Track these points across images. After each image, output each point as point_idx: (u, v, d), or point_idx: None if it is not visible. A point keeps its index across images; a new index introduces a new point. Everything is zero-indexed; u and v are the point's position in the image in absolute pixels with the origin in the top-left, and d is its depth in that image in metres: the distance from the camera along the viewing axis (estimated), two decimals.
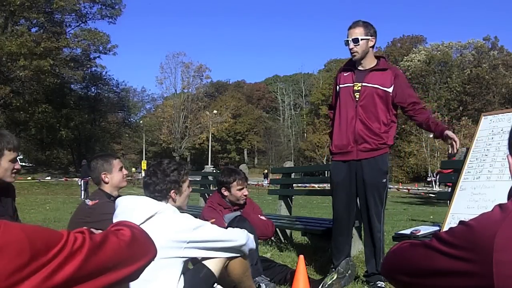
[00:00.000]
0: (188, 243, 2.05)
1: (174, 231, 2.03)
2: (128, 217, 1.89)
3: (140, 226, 1.91)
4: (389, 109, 3.31)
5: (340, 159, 3.34)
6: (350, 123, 3.28)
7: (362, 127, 3.26)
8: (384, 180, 3.32)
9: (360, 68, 3.32)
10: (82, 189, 18.11)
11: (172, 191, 2.26)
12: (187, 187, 2.34)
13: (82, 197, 17.45)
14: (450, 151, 3.20)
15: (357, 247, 4.36)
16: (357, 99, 3.27)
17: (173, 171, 2.28)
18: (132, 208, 2.07)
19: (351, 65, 3.38)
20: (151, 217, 2.03)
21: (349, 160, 3.30)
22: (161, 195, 2.23)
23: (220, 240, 2.15)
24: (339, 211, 3.38)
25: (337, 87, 3.42)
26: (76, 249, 0.88)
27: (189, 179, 2.43)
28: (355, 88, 3.28)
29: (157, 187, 2.24)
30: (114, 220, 2.02)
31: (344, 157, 3.31)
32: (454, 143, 3.14)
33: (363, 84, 3.27)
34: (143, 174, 36.09)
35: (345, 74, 3.37)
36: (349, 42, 3.24)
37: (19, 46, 26.05)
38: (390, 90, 3.28)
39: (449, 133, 3.20)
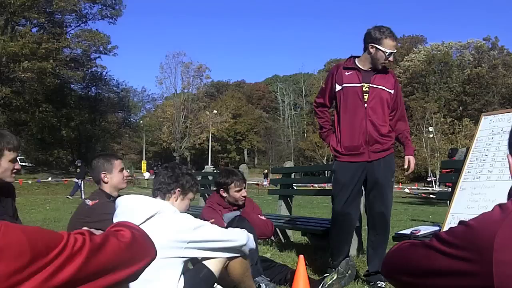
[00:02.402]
0: (188, 243, 2.04)
1: (174, 231, 2.03)
2: (129, 217, 1.89)
3: (141, 226, 1.91)
4: (389, 110, 3.35)
5: (350, 160, 3.30)
6: (360, 124, 3.26)
7: (372, 128, 3.25)
8: (393, 180, 3.41)
9: (364, 68, 3.31)
10: (81, 189, 18.21)
11: (178, 189, 2.29)
12: (190, 200, 2.37)
13: (83, 197, 17.56)
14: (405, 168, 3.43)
15: (357, 247, 4.36)
16: (365, 100, 3.25)
17: (190, 174, 2.36)
18: (133, 208, 2.07)
19: (353, 64, 3.35)
20: (151, 217, 2.03)
21: (359, 161, 3.28)
22: (167, 188, 2.27)
23: (220, 240, 2.15)
24: (342, 211, 3.36)
25: (336, 85, 3.36)
26: (76, 250, 0.89)
27: None
28: (364, 89, 3.26)
29: (166, 179, 2.28)
30: (115, 220, 2.02)
31: (355, 158, 3.29)
32: (408, 168, 3.39)
33: (371, 85, 3.26)
34: (130, 171, 36.06)
35: (347, 73, 3.32)
36: (392, 55, 3.25)
37: (21, 47, 26.06)
38: (392, 92, 3.32)
39: (410, 159, 3.39)
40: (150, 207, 2.07)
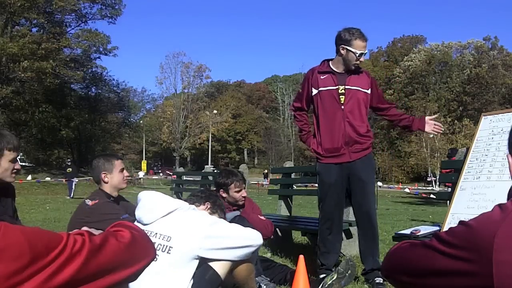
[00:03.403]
0: (204, 238, 2.05)
1: (192, 226, 2.06)
2: (150, 210, 2.07)
3: (160, 219, 2.04)
4: (367, 110, 3.43)
5: (332, 161, 3.36)
6: (338, 126, 3.31)
7: (351, 129, 3.32)
8: (375, 177, 3.50)
9: (338, 70, 3.35)
10: (72, 188, 18.31)
11: (208, 203, 2.43)
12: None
13: (71, 196, 17.66)
14: (435, 133, 3.56)
15: (357, 247, 4.36)
16: (342, 102, 3.31)
17: (223, 204, 2.60)
18: (155, 202, 2.15)
19: (327, 67, 3.40)
20: (171, 212, 2.10)
21: (342, 162, 3.34)
22: (197, 199, 2.45)
23: (237, 238, 2.13)
24: (331, 211, 3.40)
25: (312, 89, 3.41)
26: (76, 251, 0.89)
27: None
28: (340, 91, 3.32)
29: (200, 193, 2.50)
30: (136, 212, 2.14)
31: (336, 160, 3.35)
32: (437, 126, 3.47)
33: (346, 87, 3.32)
34: (140, 174, 36.22)
35: (322, 77, 3.37)
36: (363, 55, 3.29)
37: (21, 47, 26.04)
38: (369, 92, 3.40)
39: (428, 120, 3.50)
40: (170, 203, 2.15)
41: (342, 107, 3.30)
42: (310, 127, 3.58)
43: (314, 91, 3.40)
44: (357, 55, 3.25)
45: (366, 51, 3.34)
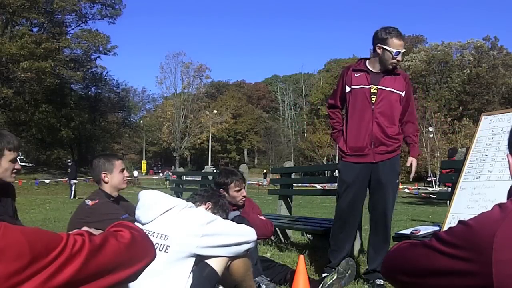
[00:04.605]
0: (202, 236, 2.06)
1: (188, 224, 2.08)
2: (149, 209, 2.10)
3: (159, 217, 2.06)
4: (400, 112, 3.37)
5: (354, 160, 3.33)
6: (366, 126, 3.27)
7: (378, 130, 3.27)
8: (397, 181, 3.41)
9: (374, 70, 3.32)
10: (71, 189, 18.30)
11: (209, 203, 2.45)
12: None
13: (71, 197, 17.62)
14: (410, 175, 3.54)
15: (357, 247, 4.36)
16: (373, 102, 3.26)
17: (226, 205, 2.64)
18: (153, 201, 2.17)
19: (363, 65, 3.36)
20: (169, 210, 2.11)
21: (364, 162, 3.30)
22: (200, 198, 2.49)
23: (233, 234, 2.16)
24: (345, 209, 3.38)
25: (346, 87, 3.38)
26: (76, 251, 0.89)
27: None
28: (372, 90, 3.27)
29: (203, 193, 2.54)
30: (137, 212, 2.16)
31: (360, 159, 3.31)
32: (410, 172, 3.46)
33: (379, 87, 3.27)
34: (135, 173, 36.26)
35: (356, 75, 3.34)
36: (400, 54, 3.25)
37: (20, 47, 26.04)
38: (403, 94, 3.34)
39: (412, 162, 3.46)
40: (169, 201, 2.16)
41: (372, 106, 3.26)
42: (343, 126, 3.51)
43: (347, 89, 3.36)
44: (393, 54, 3.21)
45: (404, 50, 3.29)
